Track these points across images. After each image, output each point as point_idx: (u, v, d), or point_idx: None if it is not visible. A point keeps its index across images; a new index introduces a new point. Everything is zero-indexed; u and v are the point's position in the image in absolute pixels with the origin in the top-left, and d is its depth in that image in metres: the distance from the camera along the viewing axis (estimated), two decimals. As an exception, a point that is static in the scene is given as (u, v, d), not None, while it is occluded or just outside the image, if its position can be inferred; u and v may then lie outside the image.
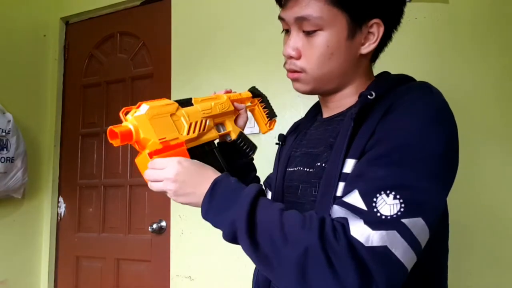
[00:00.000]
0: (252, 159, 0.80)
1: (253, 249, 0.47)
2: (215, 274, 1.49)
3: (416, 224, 0.43)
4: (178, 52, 1.70)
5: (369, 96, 0.52)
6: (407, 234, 0.42)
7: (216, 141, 0.70)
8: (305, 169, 0.62)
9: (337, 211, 0.47)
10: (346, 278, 0.41)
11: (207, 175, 0.53)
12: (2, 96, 1.66)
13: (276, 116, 0.84)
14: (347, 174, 0.50)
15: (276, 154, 0.80)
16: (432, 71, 1.27)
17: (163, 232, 1.65)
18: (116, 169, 1.81)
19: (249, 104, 0.80)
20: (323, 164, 0.57)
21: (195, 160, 0.56)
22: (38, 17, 1.92)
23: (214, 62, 1.59)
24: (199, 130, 0.62)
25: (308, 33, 0.57)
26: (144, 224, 1.68)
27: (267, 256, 0.46)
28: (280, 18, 0.61)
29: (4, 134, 1.57)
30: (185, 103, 0.64)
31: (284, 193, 0.69)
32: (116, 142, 0.52)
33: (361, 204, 0.44)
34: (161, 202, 1.65)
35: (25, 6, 1.84)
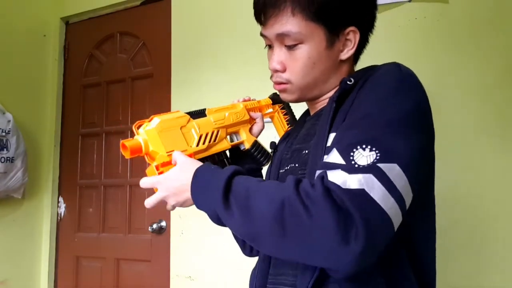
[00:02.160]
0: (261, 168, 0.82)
1: (229, 216, 0.50)
2: (215, 274, 1.49)
3: (393, 170, 0.44)
4: (178, 52, 1.70)
5: (348, 82, 0.56)
6: (384, 179, 0.43)
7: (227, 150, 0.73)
8: (296, 165, 0.64)
9: (319, 172, 0.48)
10: (324, 221, 0.41)
11: (190, 169, 0.57)
12: (2, 96, 1.66)
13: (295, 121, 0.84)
14: (328, 147, 0.52)
15: (270, 162, 0.81)
16: (432, 71, 1.27)
17: (163, 232, 1.65)
18: (116, 169, 1.81)
19: (269, 111, 0.81)
20: (307, 150, 0.60)
21: (177, 166, 0.59)
22: (38, 17, 1.92)
23: (214, 62, 1.59)
24: (210, 141, 0.65)
25: (290, 47, 0.60)
26: (144, 224, 1.68)
27: (245, 221, 0.48)
28: (261, 35, 0.65)
29: (4, 134, 1.57)
30: (198, 114, 0.69)
31: None
32: (126, 154, 0.57)
33: (339, 160, 0.46)
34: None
35: (25, 6, 1.84)
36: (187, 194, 0.57)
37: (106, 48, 1.92)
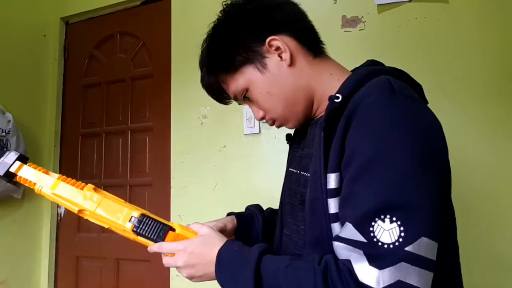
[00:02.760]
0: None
1: None
2: (215, 274, 1.49)
3: (421, 245, 0.41)
4: (178, 52, 1.70)
5: (335, 100, 0.50)
6: (416, 260, 0.41)
7: None
8: (301, 173, 0.62)
9: (339, 249, 0.45)
10: None
11: (212, 252, 0.56)
12: (2, 96, 1.66)
13: None
14: (333, 189, 0.49)
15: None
16: (432, 71, 1.27)
17: (163, 232, 1.65)
18: (116, 169, 1.81)
19: None
20: (305, 173, 0.59)
21: (200, 238, 0.60)
22: (38, 17, 1.92)
23: (214, 62, 1.59)
24: None
25: (247, 99, 0.64)
26: (144, 224, 1.68)
27: None
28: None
29: (4, 134, 1.57)
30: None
31: (285, 195, 0.70)
32: None
33: (359, 237, 0.43)
34: (161, 202, 1.65)
35: (25, 6, 1.84)
36: (207, 272, 0.56)
37: (106, 48, 1.92)
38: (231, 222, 0.74)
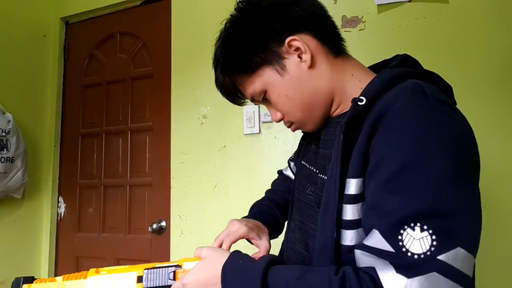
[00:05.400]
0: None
1: None
2: (215, 274, 1.49)
3: (457, 256, 0.36)
4: (178, 52, 1.70)
5: (359, 103, 0.48)
6: (450, 272, 0.36)
7: None
8: (313, 169, 0.62)
9: (361, 258, 0.42)
10: None
11: (216, 271, 0.51)
12: (2, 96, 1.66)
13: None
14: (352, 195, 0.46)
15: (300, 142, 0.80)
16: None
17: (163, 232, 1.65)
18: (116, 169, 1.81)
19: None
20: (324, 176, 0.56)
21: (201, 263, 0.56)
22: (38, 17, 1.92)
23: (214, 62, 1.59)
24: None
25: (266, 101, 0.61)
26: (144, 224, 1.68)
27: None
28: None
29: (4, 134, 1.57)
30: None
31: (295, 187, 0.69)
32: None
33: (386, 246, 0.38)
34: (161, 202, 1.65)
35: (25, 6, 1.84)
36: None
37: (106, 48, 1.92)
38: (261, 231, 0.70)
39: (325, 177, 0.54)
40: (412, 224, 0.37)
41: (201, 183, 1.57)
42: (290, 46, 0.55)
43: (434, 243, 0.36)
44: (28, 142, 1.72)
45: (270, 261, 0.48)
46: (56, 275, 1.86)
